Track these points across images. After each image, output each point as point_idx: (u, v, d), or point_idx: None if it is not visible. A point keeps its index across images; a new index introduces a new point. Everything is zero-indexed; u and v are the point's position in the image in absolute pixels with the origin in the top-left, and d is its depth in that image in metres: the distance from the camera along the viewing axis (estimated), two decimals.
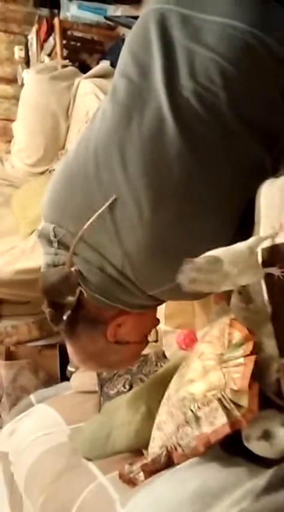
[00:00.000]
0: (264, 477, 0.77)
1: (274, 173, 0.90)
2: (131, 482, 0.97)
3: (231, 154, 0.88)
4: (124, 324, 1.00)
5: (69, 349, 1.05)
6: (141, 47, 0.96)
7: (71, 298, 0.93)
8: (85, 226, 0.91)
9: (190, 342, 1.34)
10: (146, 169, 0.87)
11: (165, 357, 1.56)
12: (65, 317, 0.95)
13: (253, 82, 0.89)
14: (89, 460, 1.22)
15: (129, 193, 0.88)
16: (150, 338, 1.11)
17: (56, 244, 0.97)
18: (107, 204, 0.89)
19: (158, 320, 1.12)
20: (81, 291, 0.94)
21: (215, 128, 0.87)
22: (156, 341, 1.17)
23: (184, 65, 0.90)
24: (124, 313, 0.99)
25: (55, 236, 0.97)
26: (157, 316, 1.22)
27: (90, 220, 0.91)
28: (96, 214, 0.90)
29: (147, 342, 1.10)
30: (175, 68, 0.90)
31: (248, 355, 0.82)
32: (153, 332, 1.12)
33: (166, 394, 0.99)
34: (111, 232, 0.90)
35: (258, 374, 0.81)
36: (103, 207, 0.89)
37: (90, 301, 0.95)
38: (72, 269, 0.93)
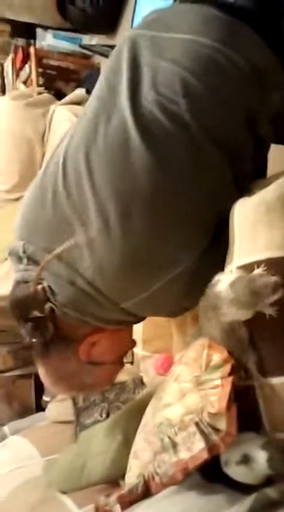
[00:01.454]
0: (245, 504, 0.74)
1: (237, 190, 0.91)
2: None
3: (196, 163, 0.88)
4: (99, 343, 0.97)
5: (41, 370, 1.01)
6: (113, 71, 0.98)
7: (38, 314, 0.90)
8: (62, 248, 0.89)
9: (168, 367, 1.32)
10: (112, 179, 0.87)
11: (142, 383, 1.53)
12: (35, 334, 0.92)
13: (216, 94, 0.90)
14: (64, 493, 1.17)
15: (96, 206, 0.87)
16: (126, 359, 1.08)
17: (25, 261, 0.95)
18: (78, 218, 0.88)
19: (134, 342, 1.09)
20: (51, 307, 0.91)
21: (179, 137, 0.87)
22: (132, 362, 1.14)
23: (147, 79, 0.91)
24: (98, 331, 0.97)
25: (24, 252, 0.96)
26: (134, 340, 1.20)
27: (62, 247, 0.89)
28: (71, 242, 0.89)
29: (123, 364, 1.07)
30: (139, 83, 0.92)
31: (226, 376, 0.80)
32: (128, 354, 1.09)
33: (143, 420, 0.96)
34: (82, 245, 0.88)
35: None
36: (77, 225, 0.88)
37: (62, 317, 0.92)
38: (40, 286, 0.91)
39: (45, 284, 0.92)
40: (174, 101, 0.88)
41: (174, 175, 0.87)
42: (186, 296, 0.92)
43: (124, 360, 1.07)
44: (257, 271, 0.80)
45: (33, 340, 0.93)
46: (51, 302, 0.91)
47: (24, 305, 0.93)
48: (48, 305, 0.91)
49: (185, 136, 0.87)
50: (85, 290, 0.89)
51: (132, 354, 1.12)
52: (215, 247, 0.90)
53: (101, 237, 0.87)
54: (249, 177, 0.95)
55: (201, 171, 0.89)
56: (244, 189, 0.91)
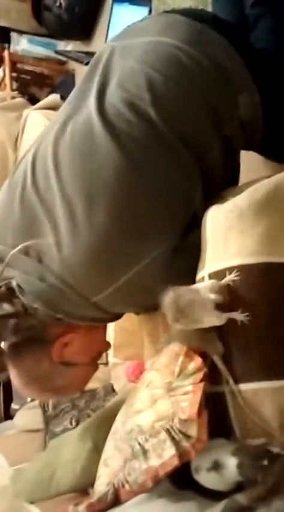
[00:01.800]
0: (215, 510, 0.74)
1: (203, 186, 0.93)
2: None
3: (161, 155, 0.90)
4: (72, 344, 0.97)
5: (12, 372, 1.00)
6: (87, 79, 1.01)
7: (9, 309, 0.89)
8: (27, 243, 0.90)
9: (139, 373, 1.31)
10: (77, 172, 0.88)
11: (113, 391, 1.51)
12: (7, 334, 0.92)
13: (178, 89, 0.92)
14: (32, 502, 1.14)
15: (62, 199, 0.88)
16: (100, 361, 1.07)
17: None
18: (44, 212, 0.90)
19: (108, 344, 1.09)
20: (22, 304, 0.90)
21: (143, 129, 0.89)
22: (106, 364, 1.13)
23: (115, 79, 0.94)
24: (71, 331, 0.96)
25: None
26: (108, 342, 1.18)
27: (27, 242, 0.89)
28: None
29: (97, 366, 1.06)
30: (107, 84, 0.95)
31: (197, 383, 0.80)
32: (103, 355, 1.09)
33: (113, 427, 0.95)
34: (50, 239, 0.88)
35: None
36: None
37: (34, 315, 0.91)
38: (10, 283, 0.91)
39: (13, 283, 0.91)
40: (138, 95, 0.90)
41: (137, 165, 0.88)
42: (154, 292, 0.92)
43: (99, 361, 1.07)
44: (229, 277, 0.80)
45: (8, 339, 0.91)
46: (19, 299, 0.91)
47: None
48: (17, 300, 0.90)
49: (148, 128, 0.89)
50: (55, 285, 0.89)
51: (106, 356, 1.11)
52: (184, 245, 0.90)
53: (67, 230, 0.87)
54: (220, 182, 0.96)
55: (163, 160, 0.90)
56: (215, 194, 0.92)
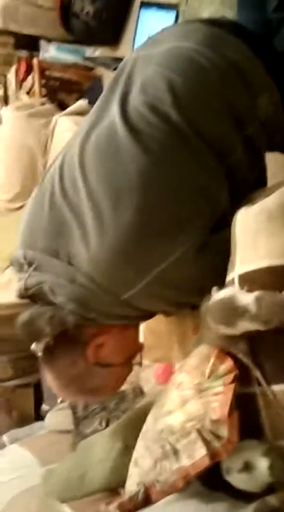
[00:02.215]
0: None
1: (229, 187, 0.94)
2: None
3: (184, 155, 0.91)
4: (106, 345, 0.99)
5: (49, 376, 1.02)
6: (112, 87, 1.04)
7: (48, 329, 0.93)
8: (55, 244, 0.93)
9: (168, 375, 1.31)
10: (102, 173, 0.91)
11: (142, 393, 1.52)
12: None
13: (197, 89, 0.94)
14: (63, 502, 1.16)
15: (90, 200, 0.90)
16: (134, 361, 1.08)
17: (26, 267, 0.97)
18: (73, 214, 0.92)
19: (142, 344, 1.11)
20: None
21: (165, 131, 0.91)
22: (141, 364, 1.15)
23: (137, 85, 0.97)
24: (104, 332, 0.98)
25: (25, 259, 0.97)
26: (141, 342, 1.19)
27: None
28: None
29: (131, 366, 1.08)
30: (130, 91, 0.98)
31: (227, 384, 0.80)
32: (137, 356, 1.11)
33: (143, 427, 0.96)
34: (78, 240, 0.91)
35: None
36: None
37: (66, 317, 0.93)
38: (42, 288, 0.94)
39: (45, 286, 0.94)
40: (158, 97, 0.93)
41: (160, 165, 0.90)
42: (183, 290, 0.94)
43: (133, 362, 1.08)
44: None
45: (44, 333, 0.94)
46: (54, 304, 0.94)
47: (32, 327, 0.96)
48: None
49: (170, 129, 0.91)
50: (85, 285, 0.91)
51: (141, 356, 1.12)
52: (213, 242, 0.92)
53: (95, 230, 0.89)
54: (247, 183, 0.98)
55: (186, 160, 0.91)
56: (243, 194, 0.93)
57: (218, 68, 0.95)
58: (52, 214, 0.96)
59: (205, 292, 0.84)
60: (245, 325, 0.78)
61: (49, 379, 1.03)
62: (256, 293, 0.78)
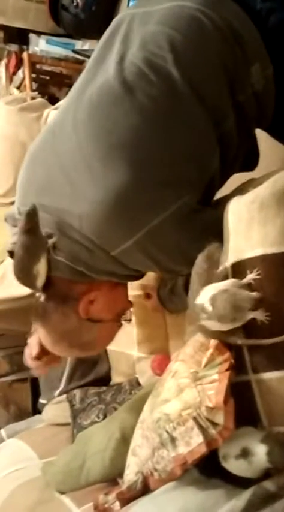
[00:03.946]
0: (243, 498, 0.74)
1: (220, 153, 0.95)
2: None
3: (179, 116, 0.92)
4: (96, 301, 1.02)
5: (41, 332, 1.05)
6: (107, 44, 1.03)
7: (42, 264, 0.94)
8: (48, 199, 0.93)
9: (164, 367, 1.31)
10: (94, 129, 0.91)
11: (139, 384, 1.53)
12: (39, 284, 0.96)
13: (198, 48, 0.94)
14: (63, 493, 1.17)
15: (81, 157, 0.91)
16: (123, 317, 1.12)
17: None
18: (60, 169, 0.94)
19: (131, 302, 1.14)
20: (48, 251, 0.94)
21: (164, 89, 0.91)
22: (130, 320, 1.18)
23: (136, 43, 0.96)
24: (95, 288, 1.01)
25: (19, 214, 1.00)
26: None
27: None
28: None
29: (121, 322, 1.11)
30: (128, 49, 0.96)
31: (223, 371, 0.81)
32: (126, 313, 1.14)
33: (140, 417, 0.96)
34: (68, 195, 0.92)
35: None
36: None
37: (57, 271, 0.96)
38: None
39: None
40: (160, 55, 0.92)
41: (153, 119, 0.90)
42: (171, 256, 0.95)
43: (123, 318, 1.11)
44: (250, 276, 0.81)
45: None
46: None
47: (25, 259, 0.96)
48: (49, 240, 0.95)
49: (169, 88, 0.91)
50: (75, 238, 0.93)
51: (130, 313, 1.16)
52: (203, 214, 0.93)
53: (85, 186, 0.90)
54: (236, 152, 0.99)
55: (181, 121, 0.91)
56: (232, 163, 0.96)
57: (219, 29, 0.94)
58: (43, 171, 0.98)
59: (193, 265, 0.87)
60: (208, 324, 0.81)
61: (41, 335, 1.06)
62: (211, 294, 0.80)
